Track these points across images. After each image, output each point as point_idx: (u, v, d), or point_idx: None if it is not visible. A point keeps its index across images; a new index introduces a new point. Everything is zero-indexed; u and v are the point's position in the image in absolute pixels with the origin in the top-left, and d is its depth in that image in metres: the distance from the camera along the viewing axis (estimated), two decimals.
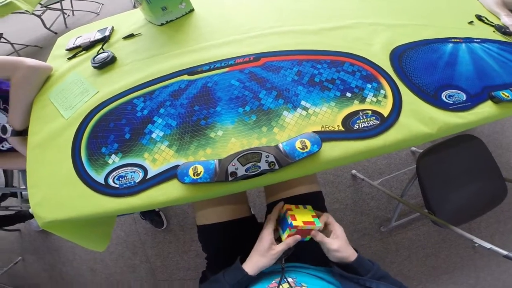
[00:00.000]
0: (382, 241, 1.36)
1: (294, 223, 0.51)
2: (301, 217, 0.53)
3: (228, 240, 0.71)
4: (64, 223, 0.62)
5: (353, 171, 1.50)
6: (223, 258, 0.68)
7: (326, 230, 0.56)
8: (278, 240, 0.55)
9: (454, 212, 0.91)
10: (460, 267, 1.29)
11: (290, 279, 0.49)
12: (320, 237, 0.53)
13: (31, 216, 1.58)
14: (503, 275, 1.25)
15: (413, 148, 1.54)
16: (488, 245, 0.80)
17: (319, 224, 0.54)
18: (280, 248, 0.51)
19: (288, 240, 0.52)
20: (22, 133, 0.77)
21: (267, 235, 0.53)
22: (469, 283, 1.26)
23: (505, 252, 0.75)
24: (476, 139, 1.00)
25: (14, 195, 1.49)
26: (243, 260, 0.54)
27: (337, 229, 0.55)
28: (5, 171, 1.37)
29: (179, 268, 1.41)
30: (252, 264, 0.51)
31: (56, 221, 0.60)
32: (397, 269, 1.31)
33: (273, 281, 0.49)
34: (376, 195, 1.45)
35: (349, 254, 0.52)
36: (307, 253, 0.61)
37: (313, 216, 0.55)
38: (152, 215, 1.47)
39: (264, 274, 0.54)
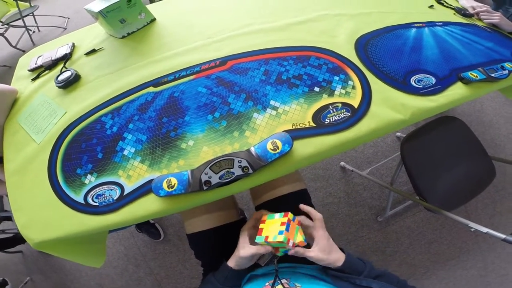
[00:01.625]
0: (381, 231, 1.35)
1: (259, 240, 0.51)
2: (272, 232, 0.50)
3: (219, 246, 0.71)
4: (55, 243, 0.62)
5: (342, 163, 1.49)
6: (216, 263, 0.68)
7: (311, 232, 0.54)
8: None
9: (445, 196, 0.90)
10: (466, 252, 1.28)
11: (284, 280, 0.49)
12: (301, 253, 0.50)
13: None
14: (509, 257, 1.25)
15: (398, 134, 1.55)
16: (484, 229, 0.76)
17: (283, 240, 0.47)
18: (249, 251, 0.51)
19: (259, 248, 0.51)
20: None
21: (242, 231, 0.55)
22: (477, 267, 1.26)
23: (503, 236, 0.72)
24: (457, 120, 1.00)
25: (8, 218, 1.50)
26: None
27: (320, 239, 0.51)
28: None
29: (183, 277, 1.42)
30: (233, 257, 0.53)
31: (46, 241, 0.60)
32: (401, 258, 1.30)
33: (267, 283, 0.49)
34: (368, 185, 1.45)
35: (334, 261, 0.49)
36: None
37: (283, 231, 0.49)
38: (148, 227, 1.46)
39: (256, 277, 0.54)
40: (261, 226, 0.53)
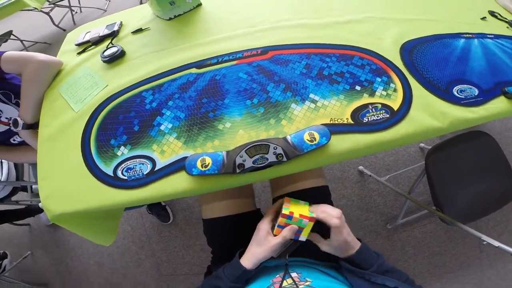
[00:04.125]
0: (388, 238, 1.35)
1: (286, 211, 0.49)
2: (297, 210, 0.50)
3: (233, 234, 0.71)
4: (73, 216, 0.63)
5: (360, 167, 1.47)
6: (228, 252, 0.67)
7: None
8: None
9: (463, 210, 0.89)
10: (466, 266, 1.27)
11: (294, 274, 0.48)
12: (317, 241, 0.51)
13: (40, 210, 1.62)
14: (508, 275, 1.23)
15: (422, 145, 1.52)
16: (496, 243, 0.78)
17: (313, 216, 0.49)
18: (276, 240, 0.49)
19: (284, 232, 0.49)
20: (33, 126, 0.79)
21: (263, 225, 0.52)
22: (473, 283, 1.24)
23: None
24: (486, 135, 0.98)
25: (24, 189, 1.53)
26: (243, 254, 0.52)
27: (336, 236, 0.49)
28: (16, 165, 1.40)
29: (184, 263, 1.42)
30: (250, 256, 0.50)
31: (65, 214, 0.60)
32: (402, 267, 1.29)
33: (277, 275, 0.49)
34: (383, 191, 1.43)
35: (347, 253, 0.49)
36: (313, 249, 0.59)
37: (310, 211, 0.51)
38: (158, 209, 1.48)
39: (269, 268, 0.54)
40: (287, 205, 0.51)
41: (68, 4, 2.92)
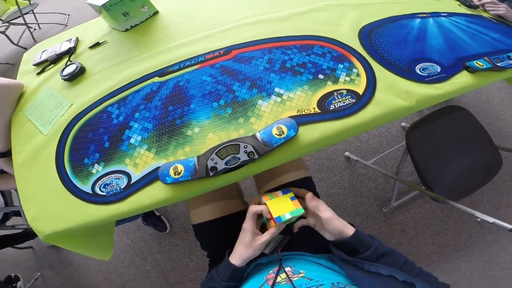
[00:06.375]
0: (386, 222, 1.35)
1: (275, 214, 0.50)
2: (281, 208, 0.52)
3: (224, 236, 0.71)
4: (64, 235, 0.63)
5: (346, 153, 1.48)
6: (223, 254, 0.68)
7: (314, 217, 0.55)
8: (263, 227, 0.55)
9: (451, 186, 0.90)
10: (471, 244, 1.28)
11: (288, 268, 0.49)
12: (311, 221, 0.53)
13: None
14: None
15: (403, 124, 1.54)
16: (491, 219, 0.75)
17: (301, 211, 0.52)
18: (264, 239, 0.50)
19: (271, 230, 0.51)
20: (6, 154, 0.76)
21: (246, 224, 0.52)
22: (482, 260, 1.25)
23: (510, 226, 0.72)
24: (462, 109, 0.99)
25: (17, 214, 1.52)
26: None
27: (324, 212, 0.52)
28: (2, 192, 1.38)
29: (189, 269, 1.43)
30: (237, 256, 0.51)
31: (55, 233, 0.60)
32: (406, 249, 1.30)
33: (271, 271, 0.49)
34: (372, 175, 1.44)
35: (345, 228, 0.50)
36: (305, 241, 0.60)
37: (294, 204, 0.53)
38: (154, 220, 1.47)
39: (262, 265, 0.55)
40: (270, 205, 0.53)
41: (24, 22, 2.77)
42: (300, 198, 0.56)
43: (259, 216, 0.55)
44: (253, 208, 0.53)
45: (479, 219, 0.78)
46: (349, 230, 0.50)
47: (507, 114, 1.57)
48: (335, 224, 0.50)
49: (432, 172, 0.90)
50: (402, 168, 1.05)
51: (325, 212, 0.51)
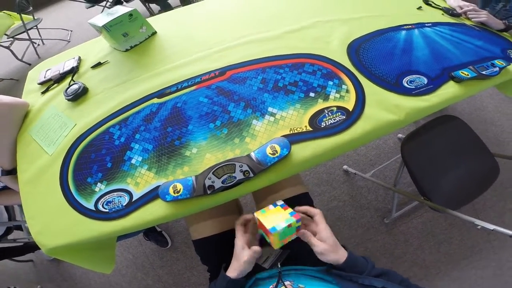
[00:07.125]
0: (389, 233, 1.33)
1: (268, 226, 0.51)
2: (275, 219, 0.52)
3: (223, 251, 0.72)
4: (67, 249, 0.65)
5: (344, 167, 1.48)
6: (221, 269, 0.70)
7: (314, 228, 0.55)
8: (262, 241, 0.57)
9: (449, 195, 0.89)
10: (478, 251, 1.25)
11: (287, 282, 0.50)
12: (307, 236, 0.53)
13: (38, 246, 1.62)
14: None
15: (399, 135, 1.55)
16: (491, 227, 0.73)
17: (294, 220, 0.51)
18: (248, 254, 0.52)
19: (254, 247, 0.53)
20: (12, 172, 0.78)
21: (238, 240, 0.55)
22: (492, 266, 1.22)
23: (510, 232, 0.70)
24: (455, 118, 0.99)
25: (18, 228, 1.56)
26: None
27: (322, 231, 0.52)
28: (6, 207, 1.41)
29: (190, 284, 1.43)
30: (232, 270, 0.53)
31: (59, 247, 0.63)
32: (411, 259, 1.28)
33: (271, 286, 0.50)
34: (372, 187, 1.44)
35: (338, 257, 0.51)
36: (304, 255, 0.61)
37: (289, 215, 0.53)
38: (155, 235, 1.49)
39: (262, 280, 0.56)
40: (262, 219, 0.53)
41: (28, 37, 2.84)
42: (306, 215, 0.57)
43: (253, 230, 0.58)
44: (237, 221, 0.57)
45: (479, 227, 0.77)
46: (341, 259, 0.51)
47: (502, 120, 1.57)
48: (328, 258, 0.51)
49: (429, 182, 0.91)
50: (401, 179, 1.05)
51: (319, 246, 0.51)
